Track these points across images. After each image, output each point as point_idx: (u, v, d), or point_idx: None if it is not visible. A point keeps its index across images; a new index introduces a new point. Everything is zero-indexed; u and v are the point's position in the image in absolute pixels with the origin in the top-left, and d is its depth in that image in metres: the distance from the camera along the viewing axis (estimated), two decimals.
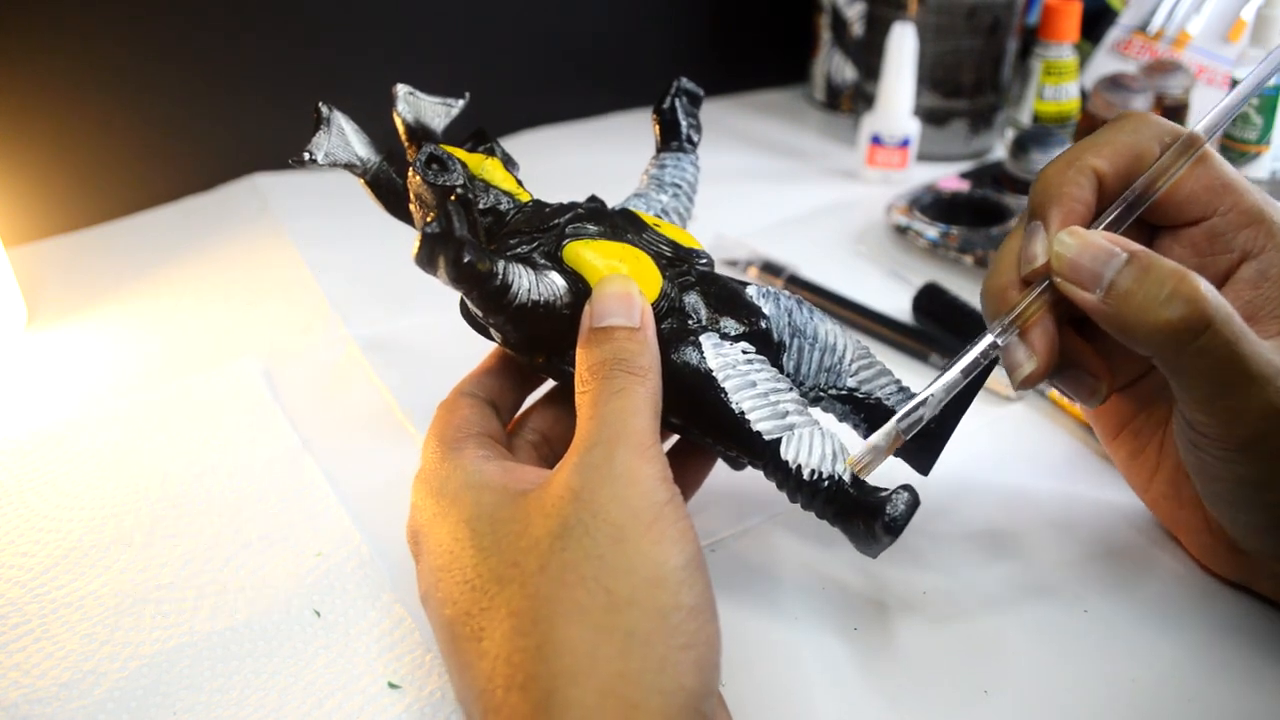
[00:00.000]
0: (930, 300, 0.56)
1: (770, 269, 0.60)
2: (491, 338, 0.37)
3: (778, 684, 0.35)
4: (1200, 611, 0.37)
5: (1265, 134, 0.66)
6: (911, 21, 0.74)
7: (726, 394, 0.35)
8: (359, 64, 0.77)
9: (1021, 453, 0.46)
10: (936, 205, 0.68)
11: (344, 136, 0.38)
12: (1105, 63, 0.82)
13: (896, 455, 0.36)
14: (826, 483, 0.33)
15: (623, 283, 0.35)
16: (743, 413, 0.34)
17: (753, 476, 0.43)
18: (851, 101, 0.90)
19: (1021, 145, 0.67)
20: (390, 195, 0.38)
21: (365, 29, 0.76)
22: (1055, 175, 0.34)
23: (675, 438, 0.40)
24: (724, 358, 0.35)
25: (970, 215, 0.66)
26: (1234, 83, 0.66)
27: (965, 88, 0.78)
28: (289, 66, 0.75)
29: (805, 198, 0.74)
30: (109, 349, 0.56)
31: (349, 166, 0.38)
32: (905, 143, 0.74)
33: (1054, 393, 0.49)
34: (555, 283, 0.35)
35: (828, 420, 0.42)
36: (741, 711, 0.32)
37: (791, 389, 0.36)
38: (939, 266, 0.63)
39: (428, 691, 0.35)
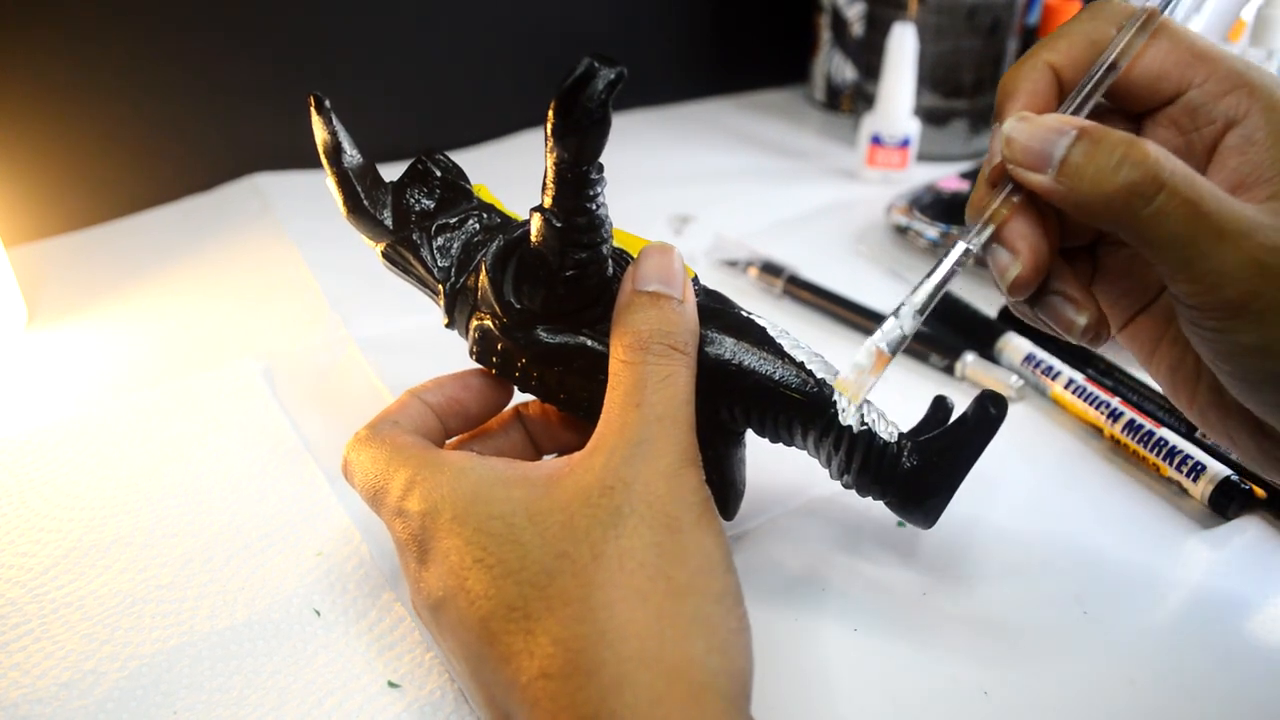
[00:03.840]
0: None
1: (770, 269, 0.60)
2: (506, 297, 0.35)
3: (777, 685, 0.35)
4: (1199, 612, 0.37)
5: None
6: (911, 21, 0.74)
7: (783, 346, 0.35)
8: (358, 64, 0.77)
9: (1021, 453, 0.46)
10: (936, 205, 0.68)
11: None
12: None
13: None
14: (885, 438, 0.34)
15: (667, 250, 0.35)
16: (802, 363, 0.35)
17: (752, 478, 0.43)
18: (851, 101, 0.90)
19: None
20: (353, 194, 0.38)
21: (364, 29, 0.77)
22: (1010, 76, 0.34)
23: None
24: (766, 320, 0.36)
25: None
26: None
27: (965, 88, 0.78)
28: (289, 67, 0.75)
29: (805, 198, 0.74)
30: (109, 349, 0.56)
31: (337, 150, 0.37)
32: (905, 143, 0.74)
33: (1055, 392, 0.49)
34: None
35: None
36: None
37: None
38: None
39: (427, 690, 0.35)
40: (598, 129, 0.31)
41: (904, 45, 0.71)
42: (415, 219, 0.38)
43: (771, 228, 0.69)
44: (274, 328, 0.58)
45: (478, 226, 0.38)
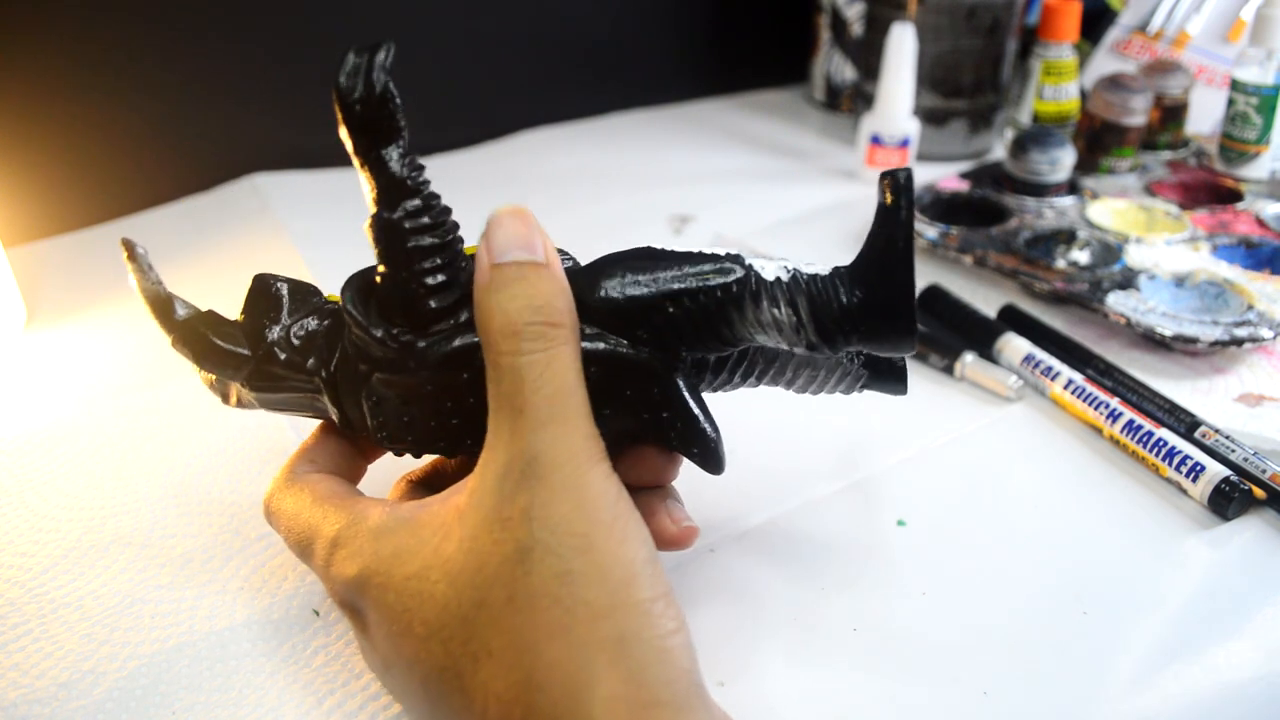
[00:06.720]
0: (933, 301, 0.56)
1: None
2: (377, 333, 0.32)
3: (777, 684, 0.35)
4: (1199, 612, 0.37)
5: (1265, 134, 0.66)
6: (911, 21, 0.74)
7: (673, 250, 0.33)
8: None
9: (1021, 453, 0.46)
10: (936, 205, 0.68)
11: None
12: (1105, 63, 0.82)
13: (876, 351, 0.35)
14: (814, 271, 0.33)
15: (519, 212, 0.31)
16: (700, 250, 0.32)
17: (752, 478, 0.43)
18: (851, 101, 0.90)
19: (1021, 145, 0.67)
20: (203, 340, 0.35)
21: (364, 29, 0.77)
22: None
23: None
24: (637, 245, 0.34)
25: (970, 215, 0.66)
26: (1233, 83, 0.66)
27: (965, 88, 0.78)
28: (288, 66, 0.75)
29: (805, 198, 0.74)
30: (109, 349, 0.56)
31: (169, 300, 0.36)
32: (905, 143, 0.74)
33: (1054, 392, 0.49)
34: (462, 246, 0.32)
35: None
36: (740, 712, 0.32)
37: None
38: (939, 266, 0.63)
39: None
40: (386, 105, 0.30)
41: (903, 45, 0.71)
42: (267, 329, 0.35)
43: (771, 228, 0.69)
44: None
45: (330, 311, 0.36)
